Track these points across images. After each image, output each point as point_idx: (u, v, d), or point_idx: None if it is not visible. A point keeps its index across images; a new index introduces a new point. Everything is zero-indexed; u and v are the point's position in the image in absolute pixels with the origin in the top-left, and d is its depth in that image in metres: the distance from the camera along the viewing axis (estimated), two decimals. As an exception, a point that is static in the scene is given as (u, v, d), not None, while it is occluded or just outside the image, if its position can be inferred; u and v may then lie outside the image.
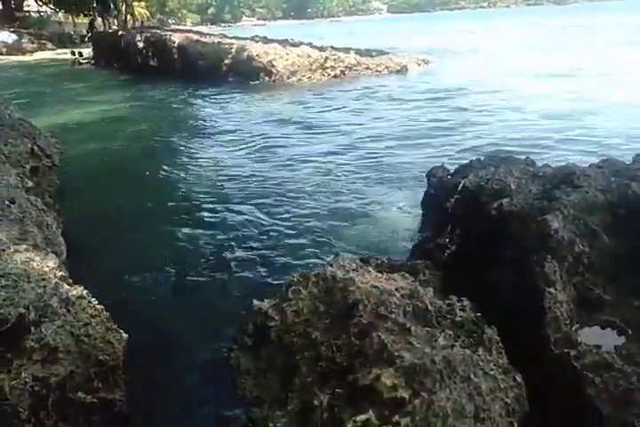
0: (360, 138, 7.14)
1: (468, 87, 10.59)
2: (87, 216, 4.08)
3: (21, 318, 1.43)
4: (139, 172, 5.99)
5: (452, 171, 4.26)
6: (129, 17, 44.60)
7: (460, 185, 2.61)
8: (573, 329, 1.60)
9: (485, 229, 2.38)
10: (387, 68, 14.46)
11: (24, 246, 1.82)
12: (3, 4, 37.80)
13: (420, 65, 15.32)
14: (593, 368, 1.49)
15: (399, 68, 14.52)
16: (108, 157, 6.61)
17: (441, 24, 52.75)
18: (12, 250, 1.72)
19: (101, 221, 4.15)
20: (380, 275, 1.85)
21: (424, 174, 5.32)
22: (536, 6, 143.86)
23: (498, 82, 11.02)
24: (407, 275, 2.04)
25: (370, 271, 1.87)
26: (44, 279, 1.66)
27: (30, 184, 3.23)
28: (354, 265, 1.88)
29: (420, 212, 4.25)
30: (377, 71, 14.37)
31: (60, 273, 1.82)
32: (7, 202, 2.07)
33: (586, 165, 2.54)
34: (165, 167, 6.03)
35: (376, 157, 6.14)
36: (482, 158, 4.14)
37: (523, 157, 3.80)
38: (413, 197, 4.71)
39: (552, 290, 1.60)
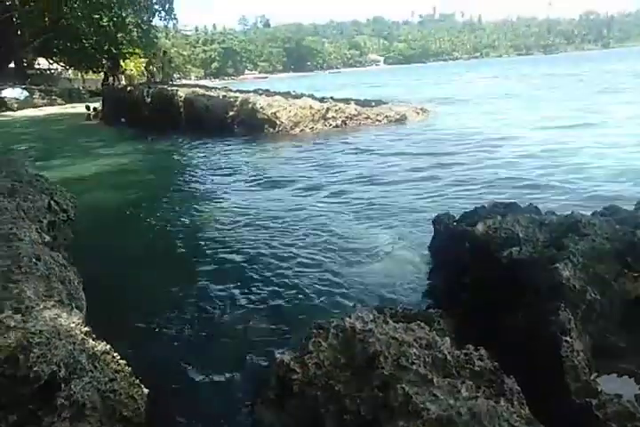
0: (362, 183, 7.33)
1: (466, 136, 10.86)
2: (101, 267, 4.13)
3: (53, 375, 1.46)
4: (149, 220, 6.09)
5: (457, 217, 4.37)
6: (135, 72, 46.61)
7: (470, 233, 2.68)
8: (592, 378, 1.62)
9: (496, 277, 2.43)
10: (386, 117, 14.93)
11: (51, 303, 1.87)
12: (15, 63, 39.60)
13: (418, 114, 15.79)
14: (616, 418, 1.50)
15: (398, 117, 14.99)
16: (118, 207, 6.74)
17: (436, 74, 54.87)
18: (40, 307, 1.78)
19: (115, 272, 4.19)
20: (397, 325, 1.89)
21: (425, 217, 5.50)
22: (527, 56, 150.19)
23: (495, 131, 11.33)
24: (423, 324, 2.08)
25: (387, 322, 1.91)
26: (71, 335, 1.70)
27: (48, 238, 3.32)
28: (371, 316, 1.92)
29: (426, 253, 4.32)
30: (377, 121, 14.83)
31: (85, 329, 1.86)
32: (34, 259, 2.14)
33: (589, 213, 2.63)
34: (174, 215, 6.15)
35: (378, 202, 6.26)
36: (486, 205, 4.24)
37: (526, 203, 3.93)
38: (416, 239, 4.80)
39: (568, 338, 1.63)
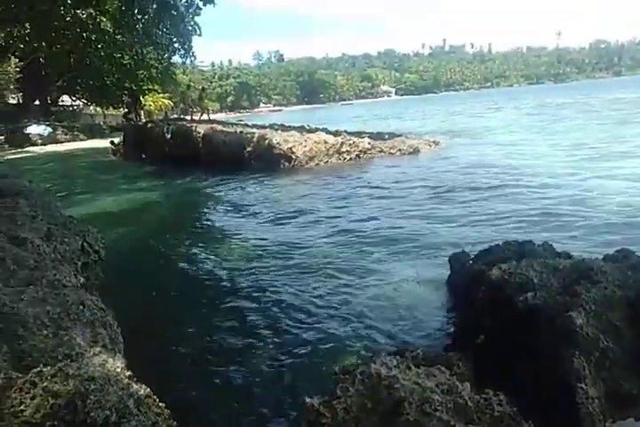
0: (377, 217, 7.49)
1: (479, 168, 11.02)
2: (130, 307, 4.28)
3: (107, 419, 1.60)
4: (171, 254, 6.31)
5: (472, 256, 4.47)
6: (153, 107, 48.10)
7: (486, 276, 2.80)
8: (607, 425, 1.70)
9: (513, 321, 2.53)
10: (399, 150, 15.22)
11: (98, 349, 2.02)
12: (40, 101, 41.23)
13: (431, 146, 16.08)
14: (631, 463, 1.58)
15: (411, 150, 15.27)
16: (141, 244, 6.96)
17: (448, 105, 55.57)
18: (90, 353, 1.93)
19: (144, 312, 4.34)
20: (419, 371, 2.00)
21: (440, 251, 5.61)
22: (537, 84, 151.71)
23: (507, 162, 11.49)
24: (443, 368, 2.18)
25: (410, 367, 2.02)
26: (119, 380, 1.84)
27: (82, 280, 3.50)
28: (395, 362, 2.03)
29: (443, 289, 4.42)
30: (390, 153, 15.12)
31: (128, 373, 2.01)
32: (80, 306, 2.30)
33: (601, 257, 2.74)
34: (195, 252, 6.34)
35: (394, 237, 6.40)
36: (501, 244, 4.36)
37: (539, 242, 4.03)
38: (432, 274, 4.91)
39: (583, 386, 1.73)
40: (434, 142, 16.53)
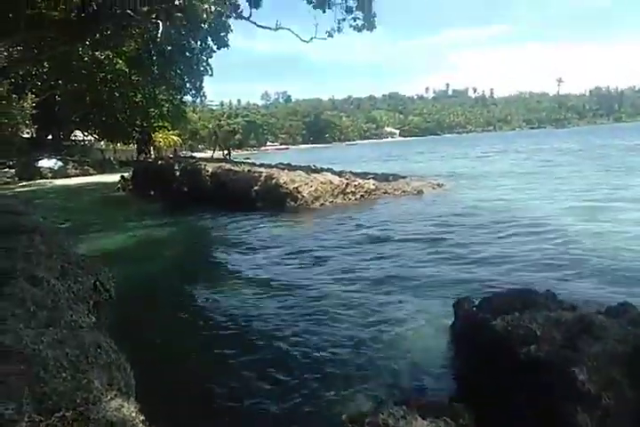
0: (381, 258, 7.58)
1: (482, 211, 11.15)
2: (138, 345, 4.32)
3: (124, 465, 1.65)
4: (178, 294, 6.36)
5: (476, 302, 4.51)
6: (163, 144, 49.04)
7: (490, 327, 2.87)
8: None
9: (517, 372, 2.58)
10: (403, 192, 15.45)
11: (114, 392, 2.09)
12: (53, 136, 42.27)
13: (434, 189, 16.28)
14: None
15: (415, 192, 15.50)
16: (148, 281, 7.02)
17: (451, 147, 56.53)
18: (107, 397, 1.99)
19: (153, 349, 4.37)
20: (426, 422, 2.05)
21: (445, 292, 5.66)
22: (539, 129, 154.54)
23: (509, 206, 11.63)
24: (449, 420, 2.23)
25: (416, 418, 2.07)
26: (134, 425, 1.90)
27: (94, 320, 3.57)
28: (401, 412, 2.09)
29: (446, 334, 4.44)
30: (394, 195, 15.33)
31: (141, 417, 2.06)
32: (97, 349, 2.38)
33: (602, 310, 2.82)
34: (200, 289, 6.43)
35: (398, 278, 6.46)
36: (504, 291, 4.43)
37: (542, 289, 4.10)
38: (437, 317, 4.94)
39: (586, 441, 1.78)
40: (437, 185, 16.78)
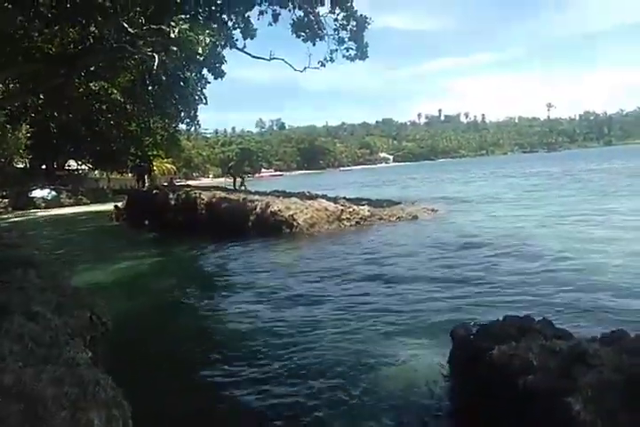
0: (377, 286, 7.57)
1: (477, 236, 11.21)
2: (134, 381, 4.27)
3: None
4: (172, 327, 6.32)
5: (474, 330, 4.51)
6: (157, 172, 49.28)
7: (487, 356, 2.89)
8: None
9: (514, 401, 2.59)
10: (398, 218, 15.55)
11: (113, 431, 2.08)
12: (47, 166, 42.48)
13: (429, 214, 16.38)
14: None
15: (410, 217, 15.60)
16: (142, 314, 6.98)
17: (445, 172, 57.02)
18: (107, 437, 1.99)
19: (148, 385, 4.32)
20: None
21: (440, 319, 5.66)
22: (531, 153, 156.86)
23: (504, 231, 11.72)
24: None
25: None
26: (133, 465, 1.89)
27: (90, 355, 3.55)
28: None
29: (444, 363, 4.41)
30: (390, 221, 15.41)
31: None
32: (96, 386, 2.38)
33: (597, 337, 2.85)
34: (197, 322, 6.39)
35: (393, 306, 6.43)
36: (500, 319, 4.46)
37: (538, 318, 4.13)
38: (433, 345, 4.93)
39: (584, 473, 1.78)
40: (432, 210, 16.87)
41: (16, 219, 24.20)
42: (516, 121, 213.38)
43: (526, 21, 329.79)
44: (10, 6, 14.17)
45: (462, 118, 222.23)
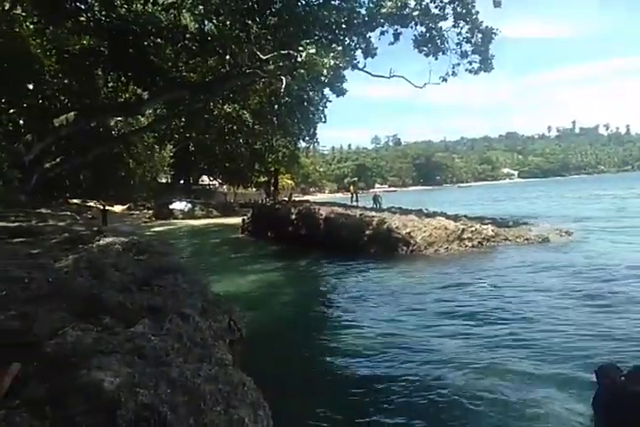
0: (505, 317, 7.15)
1: (622, 269, 9.89)
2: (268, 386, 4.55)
3: None
4: (295, 340, 6.57)
5: (623, 371, 4.04)
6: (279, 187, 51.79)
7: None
8: None
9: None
10: (526, 240, 14.53)
11: (259, 429, 2.26)
12: (184, 181, 46.87)
13: (562, 236, 14.87)
14: None
15: (540, 240, 14.45)
16: (267, 325, 7.34)
17: (581, 190, 50.71)
18: (255, 434, 2.17)
19: (281, 391, 4.56)
20: None
21: (579, 355, 5.19)
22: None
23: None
24: None
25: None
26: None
27: (231, 358, 3.86)
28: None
29: (587, 405, 4.05)
30: (516, 242, 14.44)
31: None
32: (244, 387, 2.59)
33: None
34: (320, 337, 6.56)
35: (527, 339, 6.07)
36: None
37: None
38: (575, 385, 4.54)
39: None
40: (565, 232, 15.32)
41: (159, 228, 26.89)
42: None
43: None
44: (162, 41, 16.13)
45: (601, 130, 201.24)
